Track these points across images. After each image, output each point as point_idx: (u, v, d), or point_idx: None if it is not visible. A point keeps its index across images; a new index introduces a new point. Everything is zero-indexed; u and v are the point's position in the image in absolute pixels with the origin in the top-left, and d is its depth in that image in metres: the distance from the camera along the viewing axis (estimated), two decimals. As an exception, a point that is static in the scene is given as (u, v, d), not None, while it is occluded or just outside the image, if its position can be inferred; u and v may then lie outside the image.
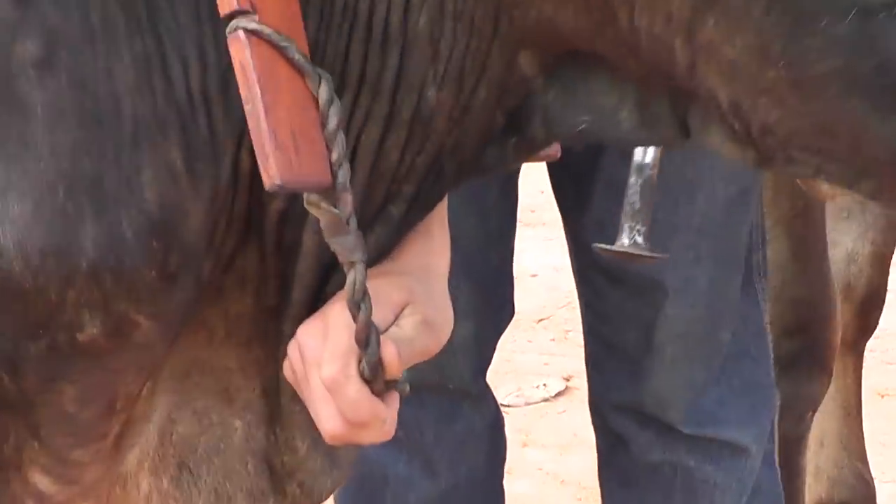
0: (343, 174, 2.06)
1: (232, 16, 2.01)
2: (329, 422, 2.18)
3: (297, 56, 2.04)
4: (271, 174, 1.99)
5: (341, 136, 2.06)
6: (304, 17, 2.08)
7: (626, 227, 2.85)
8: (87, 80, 2.06)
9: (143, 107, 2.06)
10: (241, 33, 2.01)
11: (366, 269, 2.11)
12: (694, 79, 1.99)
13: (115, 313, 2.08)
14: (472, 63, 2.13)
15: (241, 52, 2.01)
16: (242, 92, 2.01)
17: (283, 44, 2.03)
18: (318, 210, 2.06)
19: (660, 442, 3.41)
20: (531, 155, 2.48)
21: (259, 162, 2.01)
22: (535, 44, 2.12)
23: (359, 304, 2.13)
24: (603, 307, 3.40)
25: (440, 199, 2.37)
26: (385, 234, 2.26)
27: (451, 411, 3.51)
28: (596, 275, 3.41)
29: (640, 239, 2.85)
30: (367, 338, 2.15)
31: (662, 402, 3.35)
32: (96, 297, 2.07)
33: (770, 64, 1.91)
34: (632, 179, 2.88)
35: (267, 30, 2.00)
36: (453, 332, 3.07)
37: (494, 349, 3.67)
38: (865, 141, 1.94)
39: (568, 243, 3.53)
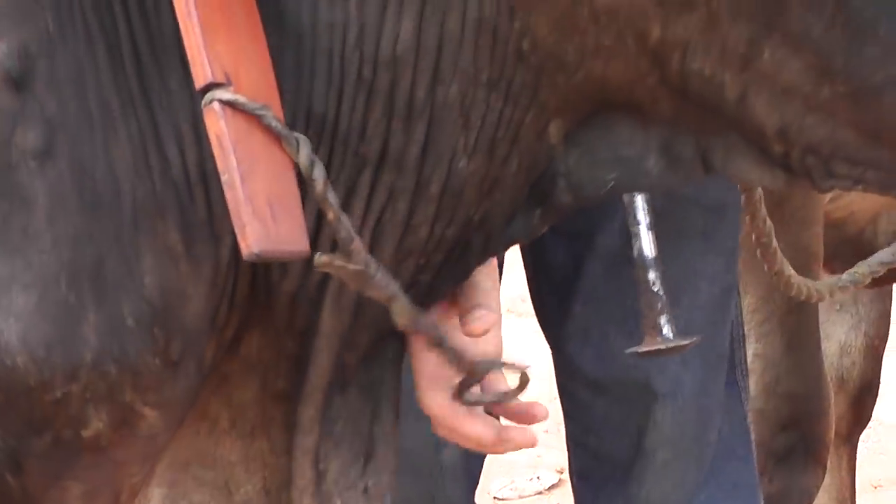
0: (346, 228, 2.02)
1: (207, 88, 2.00)
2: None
3: (273, 122, 2.01)
4: (248, 243, 1.97)
5: (332, 193, 2.02)
6: (310, 90, 2.08)
7: (659, 322, 2.85)
8: (87, 165, 2.05)
9: (142, 189, 2.06)
10: (216, 105, 1.99)
11: (407, 298, 2.10)
12: (742, 111, 2.01)
13: (120, 405, 2.08)
14: (504, 133, 2.11)
15: (215, 123, 2.00)
16: (218, 163, 2.00)
17: (259, 112, 2.01)
18: (332, 268, 2.05)
19: None
20: (559, 221, 2.45)
21: (236, 232, 1.99)
22: (569, 111, 2.12)
23: (418, 321, 2.17)
24: (588, 418, 3.39)
25: (467, 274, 2.35)
26: (415, 297, 2.18)
27: None
28: (579, 386, 3.39)
29: (670, 331, 2.86)
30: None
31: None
32: (101, 389, 2.06)
33: (827, 81, 1.95)
34: (650, 275, 2.89)
35: (242, 99, 1.99)
36: (442, 455, 3.16)
37: (482, 466, 3.63)
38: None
39: (553, 360, 3.47)
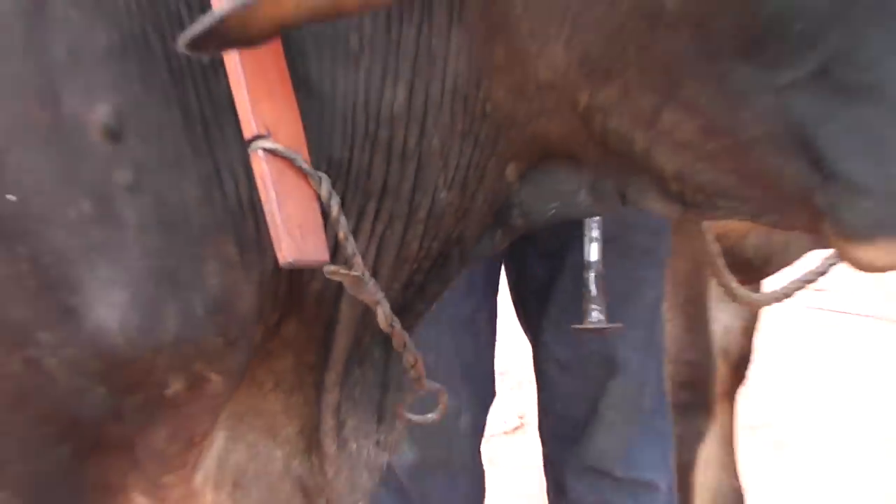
0: (351, 246, 2.08)
1: (253, 139, 2.02)
2: None
3: (302, 165, 2.04)
4: (284, 255, 2.02)
5: (343, 219, 2.07)
6: (326, 142, 2.11)
7: (590, 309, 2.93)
8: (166, 196, 2.06)
9: (207, 214, 2.08)
10: (259, 152, 2.01)
11: (388, 304, 2.16)
12: (648, 159, 2.03)
13: (192, 373, 2.13)
14: (473, 173, 2.17)
15: (259, 165, 2.04)
16: (262, 195, 2.04)
17: (291, 156, 2.03)
18: (338, 275, 2.10)
19: (595, 487, 3.39)
20: (514, 239, 2.48)
21: (275, 247, 2.04)
22: (521, 156, 2.17)
23: (392, 325, 2.19)
24: (556, 390, 3.40)
25: (451, 278, 2.39)
26: (411, 295, 2.32)
27: (454, 484, 3.47)
28: (551, 367, 3.41)
29: (601, 317, 2.95)
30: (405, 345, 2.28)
31: (602, 456, 3.35)
32: (178, 361, 2.10)
33: (712, 138, 1.95)
34: (587, 274, 2.95)
35: (279, 147, 2.02)
36: (458, 422, 3.33)
37: (485, 428, 3.60)
38: (776, 185, 1.97)
39: (532, 346, 3.52)
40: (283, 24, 1.85)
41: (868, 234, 1.88)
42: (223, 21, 1.77)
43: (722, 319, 4.07)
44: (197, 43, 1.77)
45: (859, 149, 1.86)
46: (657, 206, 2.15)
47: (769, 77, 1.86)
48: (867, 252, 1.90)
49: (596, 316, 2.94)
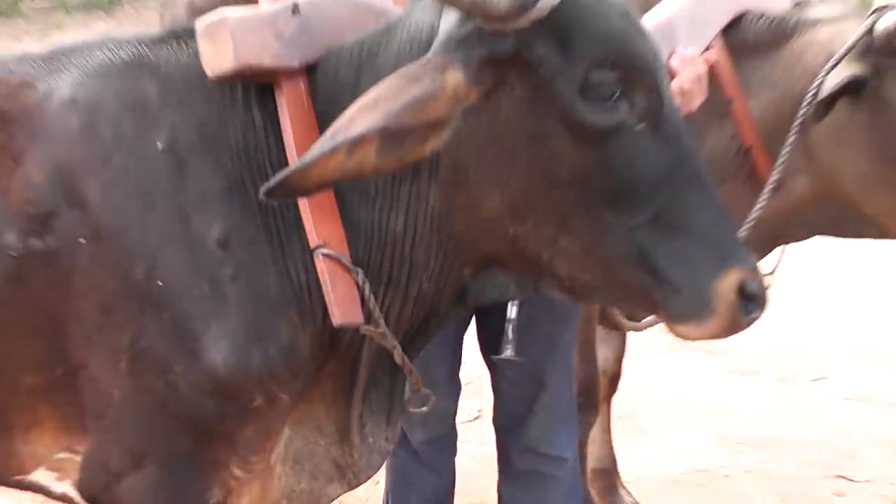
0: (377, 317, 2.22)
1: (316, 248, 2.15)
2: None
3: (347, 263, 2.17)
4: (337, 319, 2.17)
5: (372, 297, 2.20)
6: (357, 250, 2.23)
7: (505, 348, 2.90)
8: (255, 282, 2.20)
9: (281, 295, 2.22)
10: (320, 255, 2.16)
11: (402, 349, 2.29)
12: (551, 267, 2.17)
13: (269, 393, 2.25)
14: (445, 273, 2.27)
15: (320, 264, 2.17)
16: (321, 282, 2.18)
17: (340, 258, 2.17)
18: (371, 332, 2.23)
19: (530, 459, 3.35)
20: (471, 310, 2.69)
21: (330, 314, 2.18)
22: (474, 263, 2.27)
23: (403, 361, 2.33)
24: (506, 397, 3.33)
25: (433, 336, 2.46)
26: (408, 344, 2.36)
27: (444, 448, 3.47)
28: (503, 383, 3.33)
29: (512, 353, 2.91)
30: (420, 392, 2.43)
31: (534, 439, 3.30)
32: (261, 386, 2.23)
33: (590, 256, 2.12)
34: (507, 326, 2.91)
35: (332, 252, 2.15)
36: (452, 404, 3.34)
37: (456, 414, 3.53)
38: (630, 285, 2.12)
39: (489, 369, 3.40)
40: (326, 181, 2.00)
41: (683, 318, 2.08)
42: (288, 178, 1.95)
43: (602, 352, 4.03)
44: (271, 192, 1.96)
45: (677, 265, 2.05)
46: (557, 295, 2.28)
47: (624, 220, 2.05)
48: (684, 329, 2.10)
49: (509, 352, 2.91)
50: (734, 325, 2.08)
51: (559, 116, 2.02)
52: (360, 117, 1.95)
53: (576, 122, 2.01)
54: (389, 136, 1.94)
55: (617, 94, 2.02)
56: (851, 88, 3.04)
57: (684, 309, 2.08)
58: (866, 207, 3.16)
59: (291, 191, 2.03)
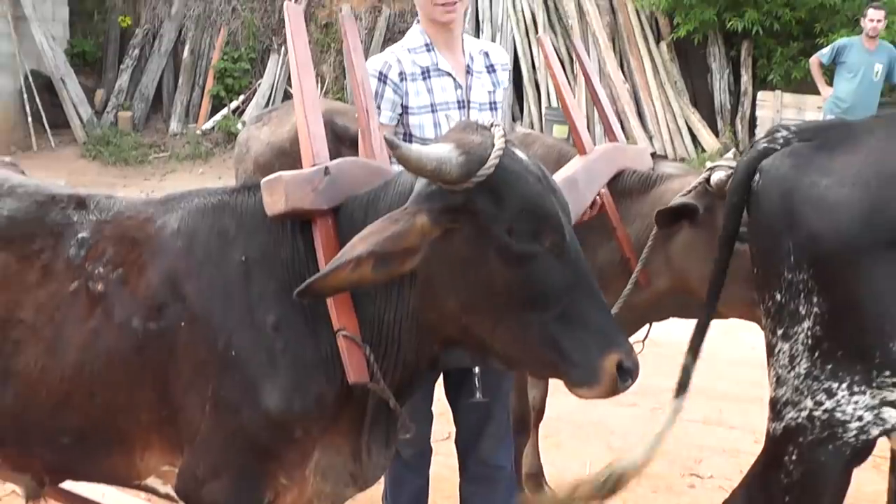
0: (378, 377, 2.20)
1: (338, 330, 2.16)
2: None
3: (358, 341, 2.17)
4: (352, 379, 2.16)
5: (376, 367, 2.18)
6: (365, 332, 2.20)
7: (475, 392, 2.84)
8: (297, 353, 2.21)
9: (314, 360, 2.21)
10: (341, 336, 2.17)
11: (397, 402, 2.27)
12: (493, 347, 2.15)
13: (306, 428, 2.24)
14: (422, 348, 2.24)
15: (340, 342, 2.16)
16: (341, 354, 2.17)
17: (354, 338, 2.17)
18: (374, 387, 2.20)
19: (482, 468, 3.23)
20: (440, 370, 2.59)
21: (347, 374, 2.16)
22: (441, 342, 2.24)
23: (399, 412, 2.30)
24: (465, 424, 3.21)
25: (414, 393, 2.44)
26: (401, 389, 2.30)
27: (429, 458, 3.33)
28: (462, 413, 3.20)
29: (480, 395, 2.86)
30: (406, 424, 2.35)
31: (485, 453, 3.20)
32: (300, 423, 2.22)
33: (518, 341, 2.11)
34: (474, 379, 2.88)
35: (349, 334, 2.16)
36: (428, 429, 3.20)
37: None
38: (544, 361, 2.12)
39: (450, 405, 3.26)
40: (339, 288, 2.11)
41: (580, 384, 2.10)
42: (312, 284, 2.05)
43: (532, 393, 3.92)
44: (301, 293, 2.05)
45: (576, 348, 2.08)
46: (497, 365, 2.28)
47: (539, 317, 2.07)
48: (580, 391, 2.11)
49: (478, 396, 2.87)
50: (614, 391, 2.10)
51: (494, 248, 2.06)
52: (358, 244, 2.04)
53: (505, 252, 2.06)
54: (378, 257, 2.02)
55: (533, 233, 2.07)
56: (686, 213, 3.11)
57: (580, 378, 2.10)
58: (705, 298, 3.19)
59: (315, 293, 2.09)
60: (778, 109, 12.30)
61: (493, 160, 2.02)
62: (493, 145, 2.05)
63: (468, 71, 3.10)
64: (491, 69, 3.18)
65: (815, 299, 2.42)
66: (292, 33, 2.38)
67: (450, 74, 3.06)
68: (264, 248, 2.27)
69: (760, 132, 12.24)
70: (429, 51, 3.05)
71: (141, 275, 2.29)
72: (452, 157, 2.01)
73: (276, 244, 2.26)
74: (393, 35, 13.98)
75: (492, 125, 2.16)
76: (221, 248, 2.28)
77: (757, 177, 2.60)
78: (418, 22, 3.11)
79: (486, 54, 3.20)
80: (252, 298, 2.23)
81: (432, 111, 3.02)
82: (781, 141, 2.59)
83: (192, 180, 11.95)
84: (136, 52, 14.71)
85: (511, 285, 2.07)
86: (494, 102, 3.17)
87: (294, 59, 2.37)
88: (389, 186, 2.25)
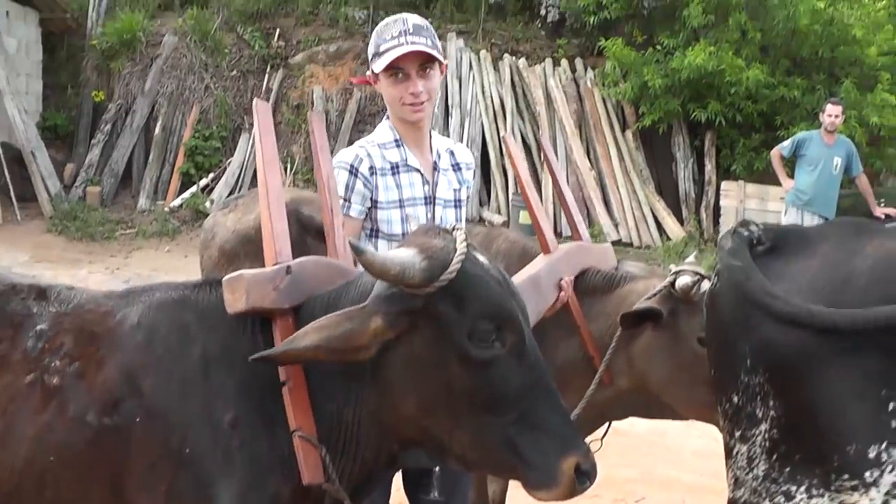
0: (334, 478, 2.16)
1: (294, 430, 2.14)
2: None
3: (314, 442, 2.14)
4: (307, 479, 2.13)
5: (331, 466, 2.15)
6: (322, 431, 2.17)
7: (432, 490, 2.85)
8: (254, 453, 2.17)
9: (271, 459, 2.18)
10: (296, 437, 2.14)
11: (354, 501, 2.23)
12: (451, 448, 2.13)
13: None
14: (381, 448, 2.21)
15: (296, 442, 2.14)
16: (297, 455, 2.15)
17: (309, 438, 2.14)
18: (329, 488, 2.16)
19: None
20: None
21: (301, 476, 2.14)
22: (400, 442, 2.21)
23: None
24: None
25: (374, 490, 2.42)
26: (359, 488, 2.27)
27: None
28: None
29: (437, 494, 2.86)
30: None
31: None
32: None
33: (477, 442, 2.10)
34: (433, 478, 2.88)
35: (304, 434, 2.14)
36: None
37: None
38: (502, 463, 2.12)
39: (408, 497, 3.09)
40: (295, 360, 2.13)
41: (538, 487, 2.08)
42: (268, 356, 2.10)
43: (492, 487, 3.85)
44: (258, 359, 2.09)
45: (534, 451, 2.07)
46: (454, 465, 2.23)
47: (498, 420, 2.07)
48: (538, 494, 2.10)
49: (434, 496, 2.87)
50: (572, 493, 2.09)
51: (454, 351, 2.06)
52: (311, 333, 2.07)
53: (465, 356, 2.06)
54: (325, 350, 2.05)
55: (493, 338, 2.07)
56: (651, 316, 3.13)
57: (538, 481, 2.09)
58: (666, 398, 3.23)
59: (270, 361, 2.13)
60: (741, 199, 12.50)
61: (454, 265, 2.04)
62: (455, 249, 2.07)
63: (435, 167, 3.13)
64: (457, 167, 3.21)
65: (771, 402, 2.44)
66: (260, 130, 2.39)
67: (418, 170, 3.08)
68: (224, 345, 2.24)
69: (724, 221, 12.45)
70: (398, 146, 3.07)
71: (98, 369, 2.25)
72: (415, 262, 2.02)
73: (235, 341, 2.24)
74: (363, 117, 14.15)
75: (454, 228, 2.18)
76: (181, 344, 2.25)
77: (715, 279, 2.64)
78: (388, 118, 3.14)
79: (452, 153, 3.23)
80: (210, 395, 2.20)
81: (400, 206, 3.03)
82: (751, 235, 2.64)
83: (158, 258, 11.90)
84: (108, 127, 14.64)
85: (470, 389, 2.07)
86: (459, 200, 3.19)
87: (260, 155, 2.37)
88: (351, 286, 2.25)
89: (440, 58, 2.94)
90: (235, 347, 2.24)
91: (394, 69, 2.93)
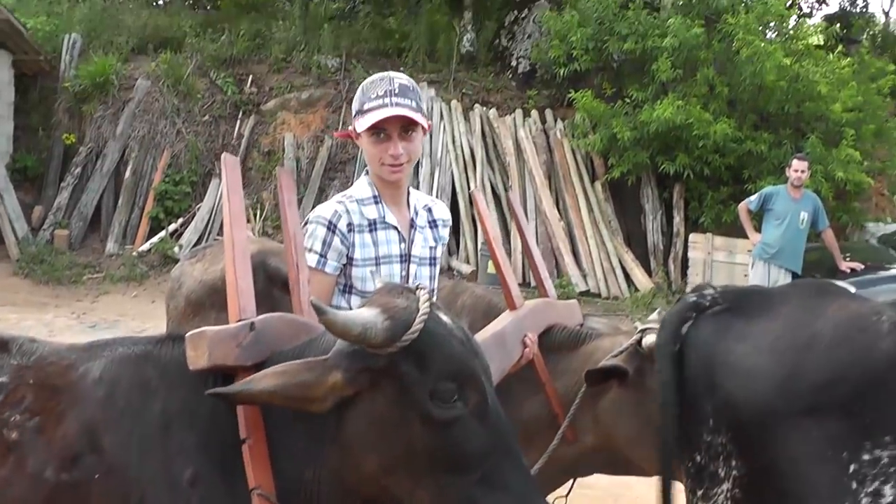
0: None
1: (253, 488, 2.11)
2: None
3: (274, 501, 2.11)
4: None
5: None
6: (281, 488, 2.14)
7: None
8: (213, 502, 2.15)
9: None
10: (255, 495, 2.11)
11: None
12: None
13: None
14: (342, 502, 2.18)
15: (255, 500, 2.12)
16: None
17: (268, 496, 2.11)
18: None
19: None
20: None
21: None
22: (361, 498, 2.17)
23: None
24: None
25: None
26: None
27: None
28: None
29: None
30: None
31: None
32: None
33: (437, 501, 2.07)
34: None
35: (264, 492, 2.10)
36: None
37: None
38: None
39: None
40: (249, 401, 2.10)
41: None
42: (224, 395, 2.07)
43: None
44: (215, 395, 2.07)
45: None
46: None
47: (460, 480, 2.05)
48: None
49: None
50: None
51: (415, 411, 2.05)
52: (269, 377, 2.06)
53: (427, 416, 2.05)
54: (280, 396, 2.05)
55: (455, 398, 2.06)
56: (616, 374, 3.11)
57: None
58: (631, 456, 3.21)
59: (225, 400, 2.11)
60: (709, 251, 12.59)
61: (417, 325, 2.03)
62: (418, 309, 2.07)
63: (412, 225, 3.14)
64: (433, 224, 3.23)
65: (734, 462, 2.46)
66: (227, 185, 2.39)
67: (395, 228, 3.09)
68: (185, 402, 2.22)
69: (692, 273, 12.55)
70: (376, 203, 3.07)
71: (58, 424, 2.22)
72: (377, 323, 2.01)
73: (197, 398, 2.20)
74: (334, 165, 14.19)
75: (417, 287, 2.18)
76: (142, 400, 2.23)
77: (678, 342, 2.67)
78: (367, 173, 3.14)
79: (430, 210, 3.24)
80: (170, 452, 2.17)
81: (376, 264, 3.03)
82: (709, 299, 2.66)
83: (125, 303, 11.81)
84: (79, 170, 14.56)
85: (432, 449, 2.05)
86: (434, 258, 3.20)
87: (227, 210, 2.37)
88: (315, 343, 2.23)
89: (423, 123, 2.94)
90: (196, 404, 2.21)
91: (376, 130, 2.93)
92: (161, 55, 15.61)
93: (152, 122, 14.79)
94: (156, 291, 12.00)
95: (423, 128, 2.98)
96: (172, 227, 14.06)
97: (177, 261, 10.68)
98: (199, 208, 14.17)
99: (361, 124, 2.92)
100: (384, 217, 3.07)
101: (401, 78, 2.97)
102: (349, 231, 3.00)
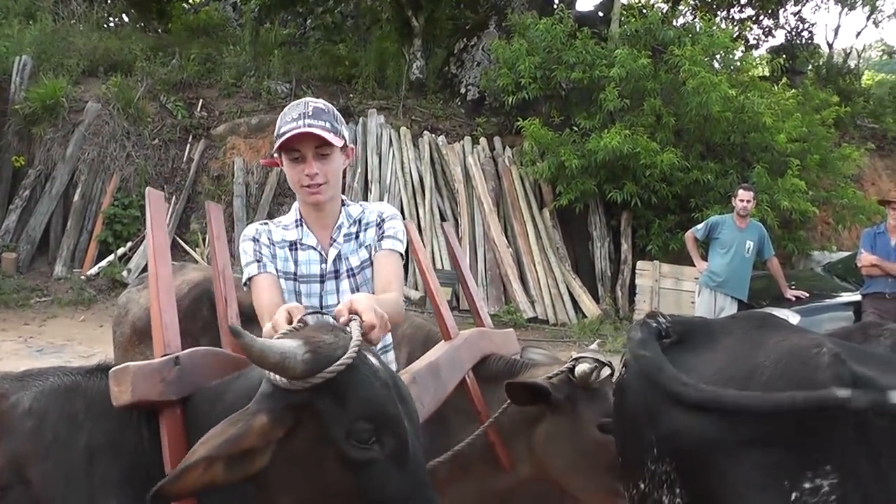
0: None
1: None
2: None
3: None
4: None
5: None
6: None
7: None
8: None
9: None
10: None
11: None
12: None
13: None
14: None
15: None
16: None
17: None
18: None
19: None
20: None
21: None
22: None
23: None
24: None
25: None
26: None
27: None
28: None
29: None
30: None
31: None
32: None
33: None
34: None
35: None
36: None
37: None
38: None
39: None
40: (193, 489, 1.97)
41: None
42: (163, 486, 1.93)
43: None
44: (154, 497, 1.93)
45: None
46: None
47: None
48: None
49: None
50: None
51: (333, 451, 2.01)
52: (199, 448, 1.97)
53: (342, 455, 2.01)
54: (219, 461, 1.95)
55: (372, 440, 2.02)
56: (537, 393, 3.11)
57: None
58: (566, 486, 3.21)
59: (169, 496, 1.98)
60: (657, 279, 12.67)
61: (343, 361, 2.00)
62: (346, 347, 2.04)
63: (331, 243, 3.13)
64: (361, 229, 3.18)
65: (678, 490, 2.46)
66: (151, 219, 2.36)
67: (314, 248, 3.11)
68: (110, 435, 2.19)
69: (640, 300, 12.59)
70: (297, 226, 3.13)
71: None
72: (298, 353, 1.98)
73: (121, 432, 2.19)
74: (283, 190, 14.10)
75: (350, 321, 2.16)
76: (69, 432, 2.20)
77: (623, 369, 2.68)
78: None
79: (359, 221, 3.20)
80: (93, 486, 2.14)
81: (295, 279, 3.07)
82: (659, 327, 2.69)
83: (73, 327, 11.61)
84: (27, 192, 14.34)
85: (346, 490, 2.02)
86: (367, 261, 3.14)
87: (151, 245, 2.34)
88: (241, 378, 2.21)
89: (334, 142, 2.93)
90: (121, 438, 2.19)
91: (291, 151, 2.95)
92: (111, 78, 15.44)
93: (102, 146, 14.59)
94: (104, 316, 11.82)
95: (344, 150, 3.01)
96: (121, 251, 13.87)
97: (125, 285, 10.49)
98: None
99: (276, 145, 2.94)
100: (302, 239, 3.10)
101: (316, 102, 2.99)
102: (271, 244, 3.06)
